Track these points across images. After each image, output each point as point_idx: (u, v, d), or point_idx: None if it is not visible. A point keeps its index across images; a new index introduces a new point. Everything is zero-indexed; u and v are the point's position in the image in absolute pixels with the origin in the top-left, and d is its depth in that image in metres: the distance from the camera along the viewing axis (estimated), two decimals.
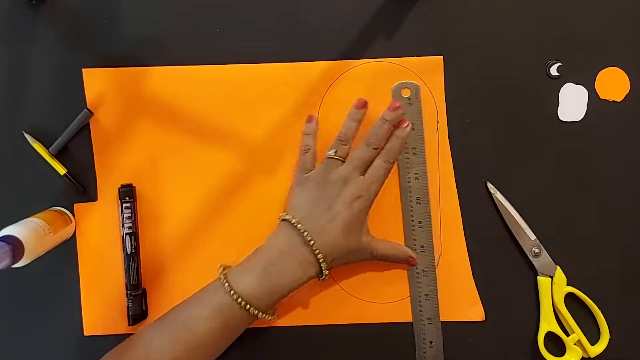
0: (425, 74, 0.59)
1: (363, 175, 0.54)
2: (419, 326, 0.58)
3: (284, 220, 0.53)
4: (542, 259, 0.58)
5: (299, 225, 0.51)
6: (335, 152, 0.55)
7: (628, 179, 0.59)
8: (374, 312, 0.59)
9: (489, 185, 0.59)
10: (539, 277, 0.58)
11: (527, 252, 0.58)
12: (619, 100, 0.59)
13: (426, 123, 0.59)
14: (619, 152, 0.59)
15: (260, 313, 0.51)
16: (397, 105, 0.55)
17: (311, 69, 0.59)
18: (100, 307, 0.58)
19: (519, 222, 0.58)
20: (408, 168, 0.59)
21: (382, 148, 0.55)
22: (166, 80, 0.58)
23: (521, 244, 0.58)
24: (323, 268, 0.52)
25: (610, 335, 0.58)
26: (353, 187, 0.53)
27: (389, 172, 0.55)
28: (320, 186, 0.54)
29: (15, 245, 0.46)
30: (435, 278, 0.58)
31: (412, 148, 0.59)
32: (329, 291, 0.59)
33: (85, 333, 0.58)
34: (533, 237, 0.58)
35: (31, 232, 0.49)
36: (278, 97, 0.59)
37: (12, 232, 0.48)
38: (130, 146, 0.59)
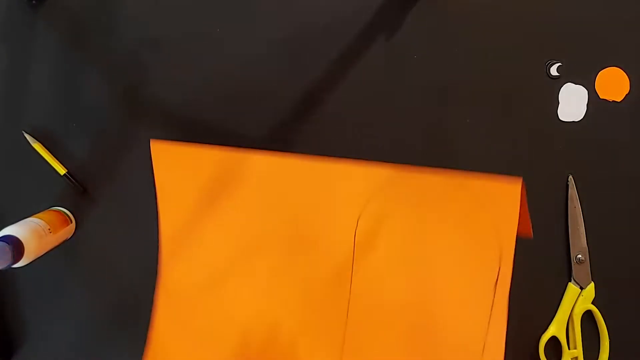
0: (495, 200, 0.43)
1: None
2: None
3: None
4: (582, 268, 0.57)
5: None
6: None
7: (628, 179, 0.59)
8: None
9: (570, 179, 0.58)
10: (570, 284, 0.58)
11: (571, 256, 0.58)
12: (619, 100, 0.59)
13: (478, 269, 0.44)
14: (619, 152, 0.59)
15: None
16: None
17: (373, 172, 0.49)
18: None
19: (580, 224, 0.57)
20: None
21: None
22: (235, 167, 0.54)
23: (571, 245, 0.57)
24: None
25: None
26: None
27: None
28: None
29: (15, 245, 0.46)
30: None
31: None
32: None
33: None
34: (585, 244, 0.57)
35: (31, 232, 0.49)
36: (328, 197, 0.52)
37: (12, 232, 0.48)
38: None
